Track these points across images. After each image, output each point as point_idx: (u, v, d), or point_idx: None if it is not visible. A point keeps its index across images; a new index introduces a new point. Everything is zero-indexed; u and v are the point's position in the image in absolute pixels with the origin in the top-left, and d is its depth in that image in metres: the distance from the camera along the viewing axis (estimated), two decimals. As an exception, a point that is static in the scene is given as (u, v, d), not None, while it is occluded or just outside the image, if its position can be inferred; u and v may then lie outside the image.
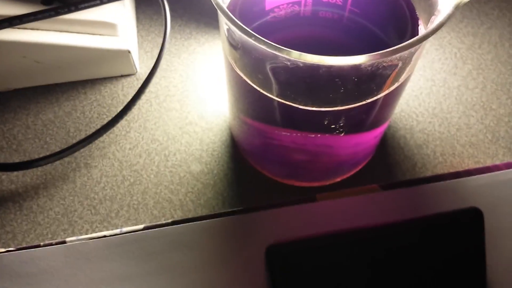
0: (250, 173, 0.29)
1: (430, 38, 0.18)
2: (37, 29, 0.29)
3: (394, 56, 0.17)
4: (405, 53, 0.18)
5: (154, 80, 0.32)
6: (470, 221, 0.22)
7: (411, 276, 0.22)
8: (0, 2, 0.28)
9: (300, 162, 0.27)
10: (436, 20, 0.19)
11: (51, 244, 0.24)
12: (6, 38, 0.28)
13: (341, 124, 0.22)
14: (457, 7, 0.18)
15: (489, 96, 0.31)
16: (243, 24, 0.18)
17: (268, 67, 0.20)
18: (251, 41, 0.17)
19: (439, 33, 0.32)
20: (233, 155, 0.30)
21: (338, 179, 0.28)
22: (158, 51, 0.33)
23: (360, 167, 0.28)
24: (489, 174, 0.25)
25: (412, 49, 0.18)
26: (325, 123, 0.22)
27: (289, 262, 0.22)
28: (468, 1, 0.23)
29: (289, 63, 0.18)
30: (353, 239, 0.23)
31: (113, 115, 0.30)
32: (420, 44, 0.18)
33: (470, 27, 0.33)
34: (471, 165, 0.29)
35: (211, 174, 0.29)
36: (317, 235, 0.23)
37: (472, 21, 0.34)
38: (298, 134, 0.24)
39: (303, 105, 0.21)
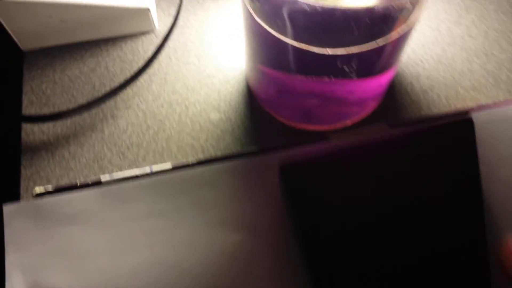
0: (266, 119, 0.30)
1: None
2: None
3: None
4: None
5: (172, 36, 0.33)
6: (463, 131, 0.24)
7: (412, 187, 0.24)
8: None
9: (313, 107, 0.28)
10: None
11: (87, 184, 0.26)
12: (34, 0, 0.30)
13: (354, 67, 0.24)
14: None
15: (491, 43, 0.33)
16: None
17: (287, 12, 0.21)
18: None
19: (443, -17, 0.33)
20: (249, 104, 0.31)
21: (349, 123, 0.30)
22: (174, 9, 0.34)
23: (370, 111, 0.30)
24: (489, 110, 0.26)
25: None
26: (339, 66, 0.24)
27: (302, 179, 0.24)
28: None
29: (307, 8, 0.20)
30: (358, 157, 0.24)
31: (135, 70, 0.32)
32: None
33: (473, -22, 0.35)
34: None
35: (229, 122, 0.31)
36: (327, 155, 0.24)
37: (475, -28, 0.35)
38: (313, 79, 0.26)
39: (319, 48, 0.22)
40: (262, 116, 0.31)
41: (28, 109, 0.32)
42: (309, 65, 0.25)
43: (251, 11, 0.23)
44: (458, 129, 0.24)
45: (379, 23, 0.21)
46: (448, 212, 0.23)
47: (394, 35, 0.22)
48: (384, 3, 0.19)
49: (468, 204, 0.24)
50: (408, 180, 0.24)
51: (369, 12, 0.20)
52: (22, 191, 0.29)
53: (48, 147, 0.30)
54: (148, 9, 0.33)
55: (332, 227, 0.24)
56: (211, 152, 0.30)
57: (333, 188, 0.24)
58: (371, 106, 0.30)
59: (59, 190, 0.26)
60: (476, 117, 0.26)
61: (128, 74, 0.32)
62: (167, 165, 0.27)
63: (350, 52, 0.22)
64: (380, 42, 0.22)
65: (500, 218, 0.25)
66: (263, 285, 0.24)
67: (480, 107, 0.27)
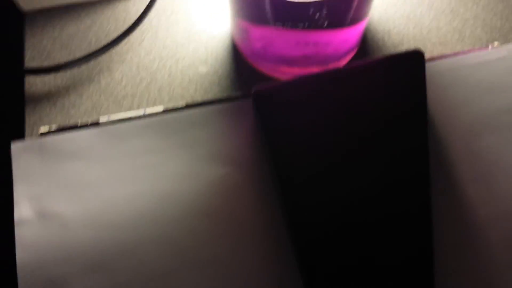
0: (250, 71, 0.33)
1: None
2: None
3: None
4: None
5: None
6: (412, 62, 0.27)
7: (366, 115, 0.27)
8: None
9: (290, 58, 0.31)
10: None
11: (87, 124, 0.29)
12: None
13: (326, 15, 0.27)
14: None
15: (457, 2, 0.35)
16: None
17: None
18: None
19: None
20: (234, 57, 0.34)
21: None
22: (165, -30, 0.36)
23: (343, 63, 0.33)
24: (446, 58, 0.29)
25: None
26: (311, 13, 0.26)
27: (271, 103, 0.27)
28: None
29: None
30: (323, 82, 0.27)
31: (128, 27, 0.34)
32: None
33: None
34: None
35: (216, 74, 0.34)
36: (295, 84, 0.27)
37: None
38: (289, 31, 0.28)
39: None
40: (247, 69, 0.33)
41: (30, 62, 0.34)
42: (285, 14, 0.27)
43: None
44: (409, 60, 0.27)
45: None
46: (396, 142, 0.26)
47: (360, -17, 0.25)
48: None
49: (415, 136, 0.27)
50: (362, 108, 0.27)
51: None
52: (27, 135, 0.31)
53: (49, 97, 0.33)
54: (140, -29, 0.35)
55: (298, 152, 0.26)
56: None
57: (299, 113, 0.27)
58: (346, 59, 0.33)
59: (62, 129, 0.29)
60: (434, 65, 0.29)
61: (121, 30, 0.35)
62: (159, 108, 0.30)
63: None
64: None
65: (444, 154, 0.28)
66: (246, 211, 0.27)
67: (440, 57, 0.30)
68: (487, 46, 0.31)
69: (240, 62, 0.34)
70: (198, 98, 0.33)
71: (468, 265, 0.26)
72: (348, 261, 0.25)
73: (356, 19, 0.29)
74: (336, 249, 0.25)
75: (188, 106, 0.30)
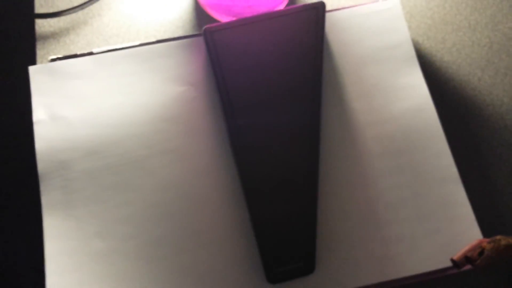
0: (208, 20, 0.43)
1: None
2: None
3: None
4: None
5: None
6: (314, 12, 0.37)
7: (279, 56, 0.37)
8: None
9: (236, 7, 0.41)
10: None
11: (83, 54, 0.39)
12: None
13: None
14: None
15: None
16: None
17: None
18: None
19: None
20: (195, 8, 0.44)
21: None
22: None
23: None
24: (345, 9, 0.40)
25: None
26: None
27: (218, 37, 0.37)
28: None
29: None
30: (252, 23, 0.37)
31: (115, -18, 0.44)
32: None
33: None
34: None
35: (181, 20, 0.44)
36: (236, 24, 0.37)
37: None
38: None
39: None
40: (203, 15, 0.44)
41: (39, 9, 0.44)
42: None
43: None
44: (315, 8, 0.37)
45: None
46: (299, 69, 0.37)
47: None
48: None
49: (314, 64, 0.37)
50: (279, 43, 0.37)
51: None
52: (38, 63, 0.42)
53: (54, 36, 0.43)
54: None
55: (235, 73, 0.37)
56: (168, 39, 0.43)
57: (236, 45, 0.37)
58: (283, 3, 0.43)
59: (65, 57, 0.39)
60: (335, 13, 0.40)
61: (109, -15, 0.45)
62: (136, 43, 0.40)
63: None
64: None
65: (338, 78, 0.39)
66: (198, 117, 0.38)
67: (342, 8, 0.40)
68: (377, 1, 0.41)
69: (199, 10, 0.44)
70: (165, 36, 0.43)
71: (352, 172, 0.37)
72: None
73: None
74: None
75: (158, 41, 0.40)
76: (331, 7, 0.44)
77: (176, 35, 0.43)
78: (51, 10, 0.44)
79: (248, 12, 0.41)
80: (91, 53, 0.39)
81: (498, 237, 0.30)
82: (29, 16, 0.44)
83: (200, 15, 0.44)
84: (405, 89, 0.38)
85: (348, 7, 0.41)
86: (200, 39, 0.40)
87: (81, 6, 0.43)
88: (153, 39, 0.42)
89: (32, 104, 0.38)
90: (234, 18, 0.43)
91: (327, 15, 0.40)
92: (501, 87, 0.42)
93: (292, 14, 0.38)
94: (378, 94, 0.38)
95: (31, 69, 0.39)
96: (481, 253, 0.30)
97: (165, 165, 0.36)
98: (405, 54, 0.39)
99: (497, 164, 0.39)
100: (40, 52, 0.43)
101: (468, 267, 0.33)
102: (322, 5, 0.38)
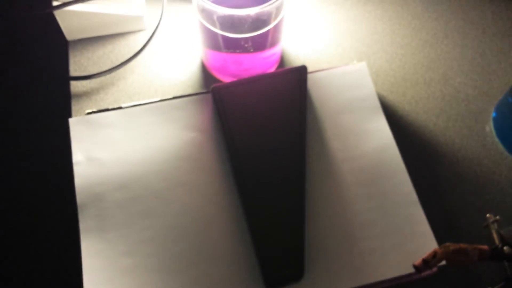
0: (211, 78, 0.52)
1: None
2: (94, 3, 0.51)
3: (266, 8, 0.40)
4: (273, 6, 0.41)
5: (156, 33, 0.54)
6: (299, 73, 0.46)
7: (268, 112, 0.45)
8: (76, -11, 0.50)
9: (234, 70, 0.50)
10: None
11: (114, 108, 0.47)
12: (79, 9, 0.50)
13: (250, 44, 0.45)
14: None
15: (340, 36, 0.55)
16: (202, -3, 0.40)
17: (215, 16, 0.43)
18: (207, 6, 0.40)
19: None
20: (202, 70, 0.53)
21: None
22: (157, 16, 0.55)
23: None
24: (324, 71, 0.48)
25: (274, 5, 0.41)
26: (242, 44, 0.45)
27: (224, 95, 0.45)
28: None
29: (224, 14, 0.41)
30: (249, 83, 0.46)
31: (136, 51, 0.53)
32: (279, 2, 0.40)
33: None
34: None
35: (191, 80, 0.52)
36: (239, 84, 0.46)
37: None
38: (231, 54, 0.47)
39: (231, 34, 0.44)
40: (209, 76, 0.52)
41: (73, 72, 0.52)
42: (228, 44, 0.46)
43: (200, 18, 0.45)
44: (299, 71, 0.46)
45: (258, 21, 0.43)
46: (287, 122, 0.45)
47: (268, 26, 0.44)
48: (259, 10, 0.40)
49: (298, 117, 0.45)
50: (271, 100, 0.45)
51: (253, 15, 0.42)
52: (73, 116, 0.49)
53: (87, 94, 0.51)
54: (142, 17, 0.54)
55: (238, 126, 0.45)
56: (180, 96, 0.51)
57: (239, 102, 0.45)
58: (271, 69, 0.51)
59: (99, 111, 0.47)
60: (316, 74, 0.48)
61: (132, 53, 0.53)
62: (157, 99, 0.48)
63: (247, 35, 0.44)
64: (261, 30, 0.44)
65: (319, 125, 0.47)
66: (206, 159, 0.45)
67: (321, 69, 0.49)
68: (349, 64, 0.50)
69: (206, 73, 0.52)
70: (180, 93, 0.51)
71: (333, 198, 0.44)
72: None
73: (272, 44, 0.48)
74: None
75: (174, 98, 0.48)
76: (313, 68, 0.52)
77: (187, 92, 0.51)
78: (84, 74, 0.52)
79: (245, 74, 0.50)
80: (120, 108, 0.47)
81: (448, 243, 0.37)
82: (66, 78, 0.52)
83: (206, 76, 0.52)
84: (373, 132, 0.46)
85: (325, 69, 0.49)
86: (208, 95, 0.48)
87: (109, 71, 0.51)
88: (170, 96, 0.50)
89: (72, 149, 0.45)
90: (234, 79, 0.51)
91: (309, 75, 0.48)
92: (453, 130, 0.50)
93: (281, 75, 0.47)
94: (352, 136, 0.46)
95: (71, 120, 0.46)
96: (434, 256, 0.37)
97: (180, 196, 0.43)
98: (372, 105, 0.47)
99: (450, 191, 0.47)
100: (74, 107, 0.50)
101: (427, 272, 0.40)
102: (305, 68, 0.46)
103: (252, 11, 0.40)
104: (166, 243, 0.41)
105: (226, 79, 0.51)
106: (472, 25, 0.56)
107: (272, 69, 0.52)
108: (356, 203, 0.43)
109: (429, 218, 0.43)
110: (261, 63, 0.49)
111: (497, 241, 0.38)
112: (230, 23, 0.43)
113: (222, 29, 0.43)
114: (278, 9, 0.43)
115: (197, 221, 0.42)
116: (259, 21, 0.43)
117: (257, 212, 0.41)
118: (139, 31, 0.55)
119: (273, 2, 0.40)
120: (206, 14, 0.43)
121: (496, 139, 0.49)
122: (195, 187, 0.44)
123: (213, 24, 0.43)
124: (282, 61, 0.53)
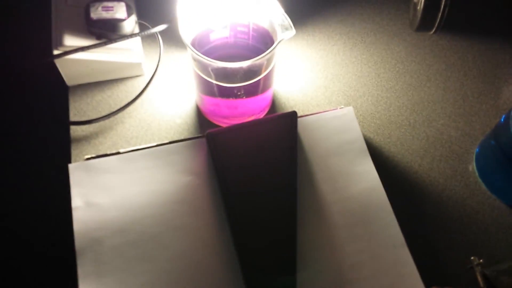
0: (206, 122, 0.53)
1: (276, 51, 0.43)
2: (93, 52, 0.53)
3: (258, 60, 0.42)
4: (264, 59, 0.43)
5: (154, 78, 0.56)
6: (289, 118, 0.47)
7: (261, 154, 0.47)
8: (76, 38, 0.52)
9: (227, 115, 0.51)
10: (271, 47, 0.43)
11: (112, 153, 0.48)
12: (79, 57, 0.52)
13: (243, 92, 0.47)
14: (280, 42, 0.43)
15: (329, 81, 0.57)
16: (198, 49, 0.42)
17: (210, 68, 0.45)
18: (201, 59, 0.42)
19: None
20: (197, 114, 0.54)
21: (249, 123, 0.53)
22: (154, 63, 0.57)
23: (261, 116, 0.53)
24: (314, 115, 0.50)
25: (265, 57, 0.43)
26: (236, 92, 0.47)
27: (218, 140, 0.47)
28: (288, 39, 0.47)
29: (217, 66, 0.43)
30: (242, 128, 0.47)
31: (134, 96, 0.54)
32: (270, 54, 0.42)
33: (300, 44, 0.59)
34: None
35: (186, 124, 0.53)
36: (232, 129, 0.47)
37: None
38: (225, 99, 0.49)
39: (225, 83, 0.45)
40: (204, 120, 0.54)
41: (73, 117, 0.53)
42: (222, 92, 0.48)
43: (195, 67, 0.46)
44: (289, 116, 0.48)
45: (250, 71, 0.45)
46: (278, 164, 0.46)
47: (259, 76, 0.46)
48: (251, 63, 0.42)
49: (289, 160, 0.46)
50: (263, 143, 0.47)
51: (245, 67, 0.43)
52: (73, 161, 0.50)
53: (86, 139, 0.52)
54: (140, 63, 0.55)
55: (232, 170, 0.46)
56: (176, 139, 0.52)
57: (232, 147, 0.47)
58: (262, 114, 0.53)
59: (97, 156, 0.48)
60: (306, 118, 0.50)
61: (130, 99, 0.55)
62: (153, 144, 0.49)
63: (239, 85, 0.46)
64: (253, 79, 0.45)
65: (309, 167, 0.48)
66: (202, 201, 0.47)
67: (311, 114, 0.50)
68: (336, 108, 0.52)
69: (200, 116, 0.54)
70: (175, 138, 0.52)
71: (323, 241, 0.45)
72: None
73: (263, 91, 0.50)
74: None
75: (170, 142, 0.49)
76: (302, 113, 0.54)
77: (183, 135, 0.52)
78: (83, 119, 0.53)
79: (238, 119, 0.51)
80: (118, 153, 0.48)
81: (433, 287, 0.38)
82: (65, 123, 0.53)
83: (201, 118, 0.54)
84: (360, 174, 0.47)
85: (315, 113, 0.51)
86: (202, 140, 0.49)
87: (108, 116, 0.53)
88: (166, 140, 0.51)
89: (71, 194, 0.46)
90: (227, 121, 0.52)
91: (299, 120, 0.50)
92: (437, 171, 0.51)
93: (272, 120, 0.48)
94: (340, 178, 0.47)
95: (71, 166, 0.47)
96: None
97: (175, 240, 0.44)
98: (359, 148, 0.49)
99: (436, 231, 0.48)
100: (74, 151, 0.51)
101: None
102: (295, 113, 0.48)
103: (244, 64, 0.42)
104: (162, 286, 0.42)
105: (220, 121, 0.53)
106: (453, 68, 0.58)
107: (264, 112, 0.53)
108: (346, 245, 0.44)
109: (415, 259, 0.44)
110: (253, 107, 0.51)
111: (481, 283, 0.39)
112: (224, 74, 0.44)
113: (217, 79, 0.45)
114: (269, 60, 0.45)
115: (191, 265, 0.43)
116: (251, 72, 0.44)
117: (250, 254, 0.42)
118: (136, 76, 0.56)
119: (264, 55, 0.42)
120: (201, 65, 0.45)
121: (479, 179, 0.51)
122: (191, 230, 0.45)
123: (208, 75, 0.45)
124: (273, 104, 0.55)
